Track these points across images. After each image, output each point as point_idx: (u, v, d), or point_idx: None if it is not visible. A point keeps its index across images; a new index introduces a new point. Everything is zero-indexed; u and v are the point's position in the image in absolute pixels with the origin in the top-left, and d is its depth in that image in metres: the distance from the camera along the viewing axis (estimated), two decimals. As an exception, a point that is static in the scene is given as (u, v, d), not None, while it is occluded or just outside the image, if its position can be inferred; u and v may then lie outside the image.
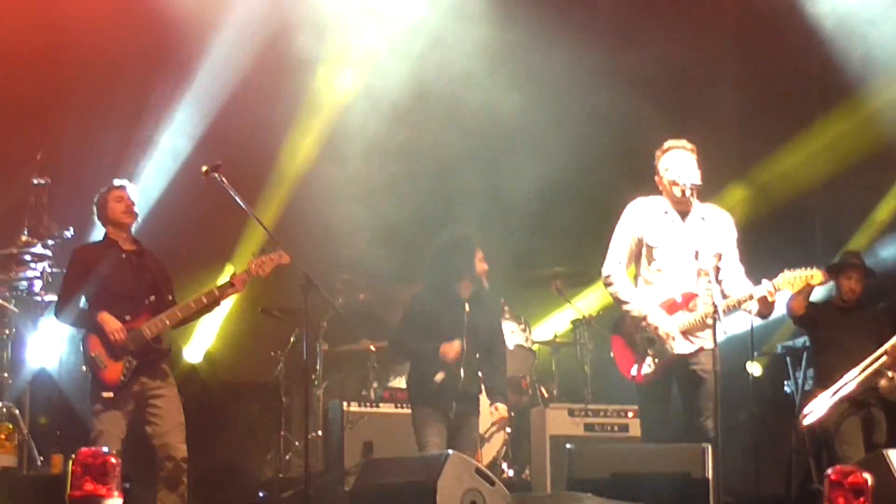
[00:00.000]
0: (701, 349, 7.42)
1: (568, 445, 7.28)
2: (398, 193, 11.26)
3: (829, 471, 4.87)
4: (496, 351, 8.17)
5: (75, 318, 7.89)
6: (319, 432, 9.92)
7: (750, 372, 9.38)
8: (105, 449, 5.55)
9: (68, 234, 9.31)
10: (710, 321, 7.16)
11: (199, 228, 9.20)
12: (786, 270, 7.33)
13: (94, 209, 8.07)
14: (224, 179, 7.60)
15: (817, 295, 9.20)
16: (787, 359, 10.12)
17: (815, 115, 11.29)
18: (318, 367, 10.12)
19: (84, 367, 7.87)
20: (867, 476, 4.81)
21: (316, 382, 10.07)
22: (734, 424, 8.46)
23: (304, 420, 8.28)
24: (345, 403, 9.59)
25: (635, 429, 9.20)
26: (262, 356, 10.56)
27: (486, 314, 8.15)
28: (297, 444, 10.07)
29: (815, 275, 7.34)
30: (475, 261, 8.03)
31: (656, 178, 7.64)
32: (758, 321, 7.75)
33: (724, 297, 7.31)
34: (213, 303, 7.94)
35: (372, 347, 10.21)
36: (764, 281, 7.32)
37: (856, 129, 10.90)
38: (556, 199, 11.17)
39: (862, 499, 4.78)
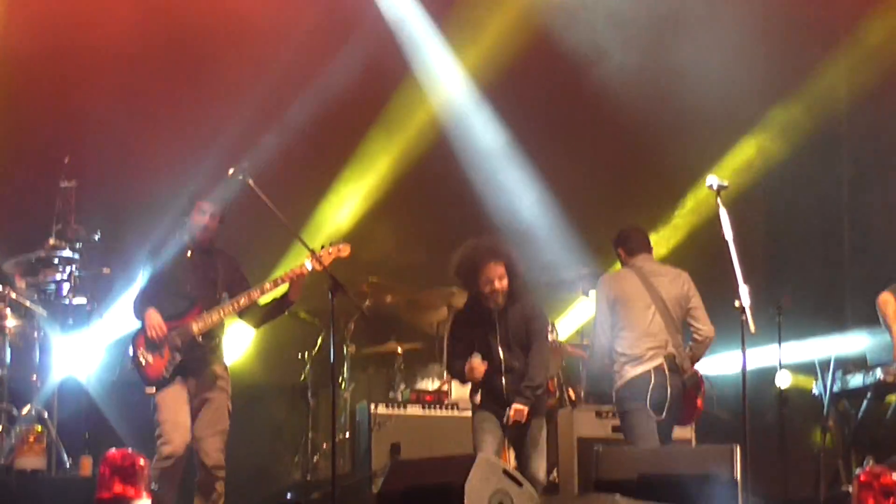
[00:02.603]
0: None
1: (597, 448, 7.27)
2: (425, 196, 11.26)
3: (859, 472, 4.84)
4: (532, 354, 8.09)
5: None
6: (347, 434, 9.91)
7: (777, 385, 9.32)
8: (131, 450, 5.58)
9: (96, 237, 9.34)
10: None
11: (239, 238, 9.12)
12: None
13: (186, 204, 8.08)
14: (251, 181, 7.52)
15: None
16: (815, 360, 10.06)
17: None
18: (345, 369, 10.12)
19: (131, 365, 7.95)
20: (897, 477, 4.79)
21: (343, 385, 10.07)
22: (762, 426, 8.41)
23: (332, 422, 8.28)
24: (372, 405, 9.59)
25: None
26: (290, 358, 10.56)
27: (518, 321, 8.07)
28: (324, 445, 10.07)
29: None
30: (483, 272, 7.93)
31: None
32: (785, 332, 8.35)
33: None
34: (274, 296, 7.95)
35: (399, 349, 10.22)
36: None
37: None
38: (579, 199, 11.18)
39: (892, 499, 4.76)
